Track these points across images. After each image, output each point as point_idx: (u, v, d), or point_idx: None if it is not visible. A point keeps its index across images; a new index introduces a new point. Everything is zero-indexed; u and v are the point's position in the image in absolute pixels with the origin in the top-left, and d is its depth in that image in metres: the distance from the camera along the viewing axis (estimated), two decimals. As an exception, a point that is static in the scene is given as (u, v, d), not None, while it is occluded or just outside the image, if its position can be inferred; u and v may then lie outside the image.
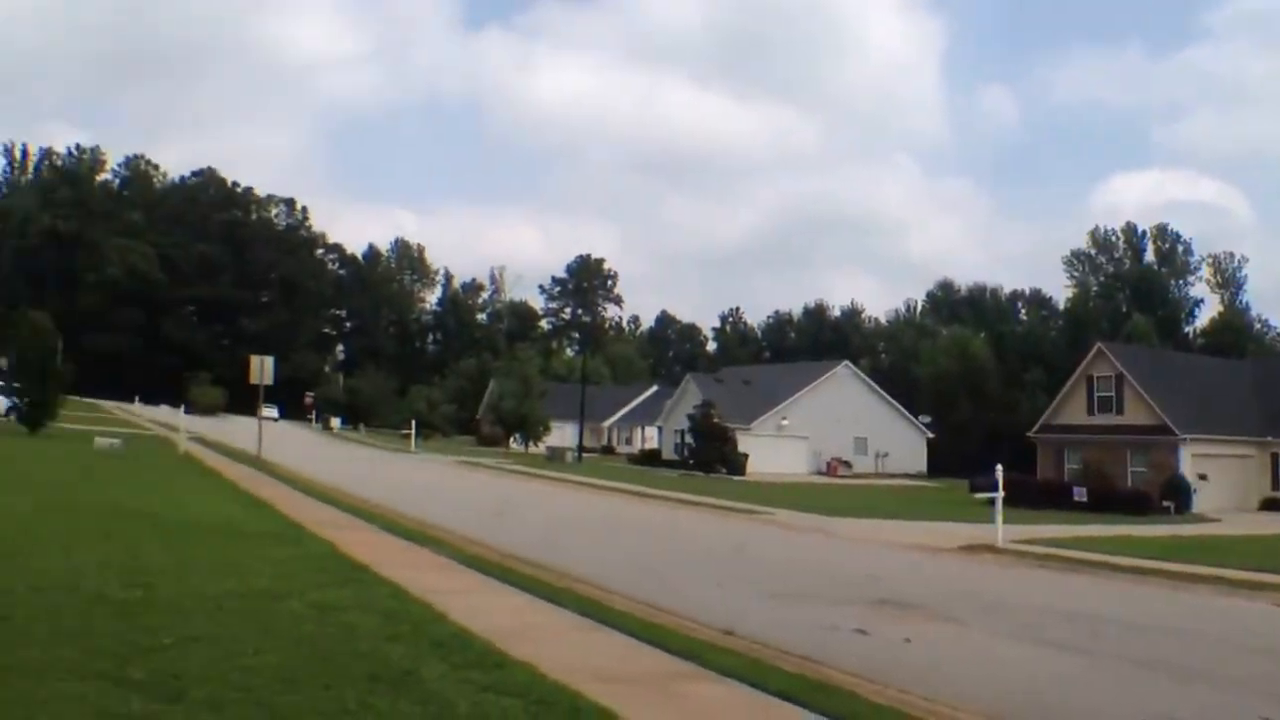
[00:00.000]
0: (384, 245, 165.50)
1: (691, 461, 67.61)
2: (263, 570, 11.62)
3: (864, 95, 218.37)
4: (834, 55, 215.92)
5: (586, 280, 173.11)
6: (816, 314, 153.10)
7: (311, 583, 11.05)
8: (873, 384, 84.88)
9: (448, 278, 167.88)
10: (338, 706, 6.45)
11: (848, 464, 75.45)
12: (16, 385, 40.81)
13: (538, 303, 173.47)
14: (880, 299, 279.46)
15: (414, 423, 78.56)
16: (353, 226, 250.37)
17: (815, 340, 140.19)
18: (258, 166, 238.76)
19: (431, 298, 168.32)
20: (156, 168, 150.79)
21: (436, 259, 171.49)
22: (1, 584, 9.32)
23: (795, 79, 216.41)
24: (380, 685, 7.03)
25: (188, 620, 8.57)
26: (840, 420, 76.45)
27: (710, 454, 66.92)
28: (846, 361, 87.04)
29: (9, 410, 43.21)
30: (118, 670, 6.77)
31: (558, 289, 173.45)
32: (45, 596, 8.96)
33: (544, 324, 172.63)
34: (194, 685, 6.58)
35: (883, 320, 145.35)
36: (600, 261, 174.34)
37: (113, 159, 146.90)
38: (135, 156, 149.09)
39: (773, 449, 71.91)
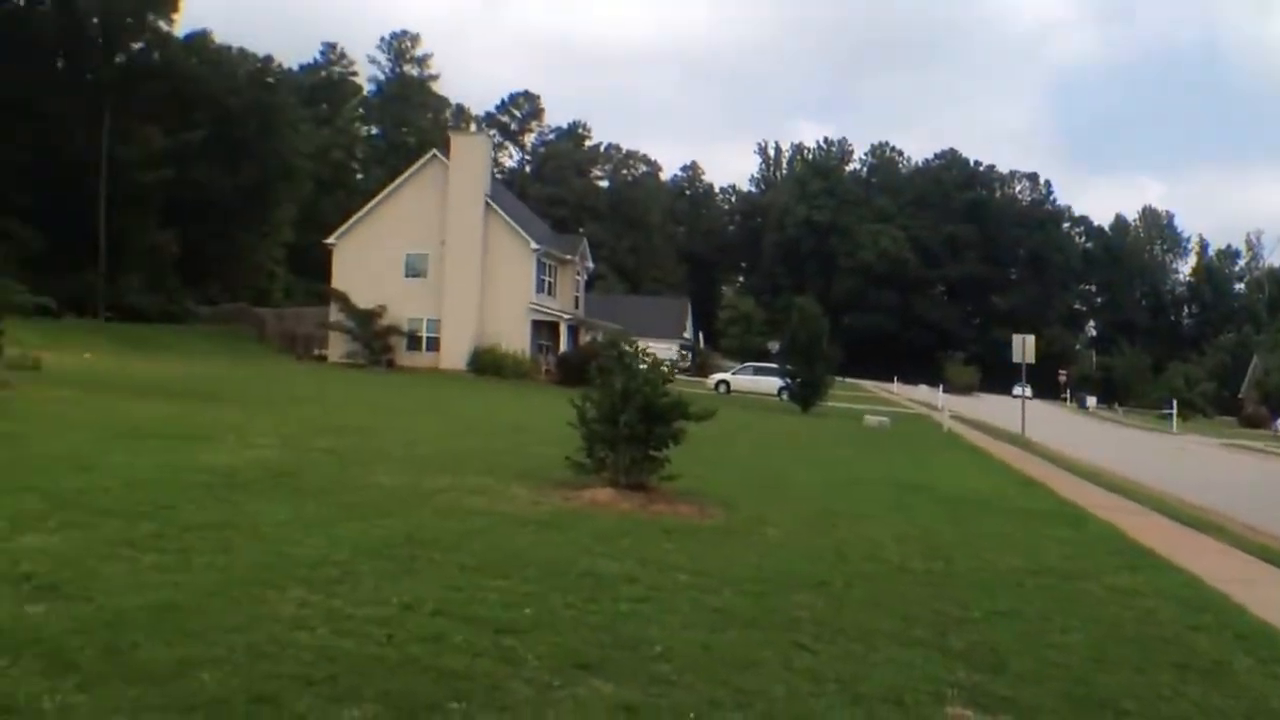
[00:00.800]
0: (1131, 215, 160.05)
1: None
2: (1049, 549, 11.89)
3: None
4: None
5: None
6: None
7: (1102, 565, 11.14)
8: None
9: (1201, 245, 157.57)
10: (1152, 692, 6.52)
11: None
12: (789, 367, 44.82)
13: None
14: None
15: (1173, 402, 74.66)
16: (1097, 197, 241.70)
17: None
18: (996, 143, 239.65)
19: (1184, 268, 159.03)
20: (900, 153, 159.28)
21: (1187, 226, 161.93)
22: (815, 547, 10.49)
23: None
24: (1190, 674, 7.01)
25: (991, 594, 9.02)
26: None
27: None
28: None
29: (781, 390, 47.63)
30: (937, 639, 7.31)
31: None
32: (853, 565, 9.85)
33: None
34: (1011, 658, 6.96)
35: None
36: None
37: (859, 149, 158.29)
38: (880, 144, 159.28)
39: None
